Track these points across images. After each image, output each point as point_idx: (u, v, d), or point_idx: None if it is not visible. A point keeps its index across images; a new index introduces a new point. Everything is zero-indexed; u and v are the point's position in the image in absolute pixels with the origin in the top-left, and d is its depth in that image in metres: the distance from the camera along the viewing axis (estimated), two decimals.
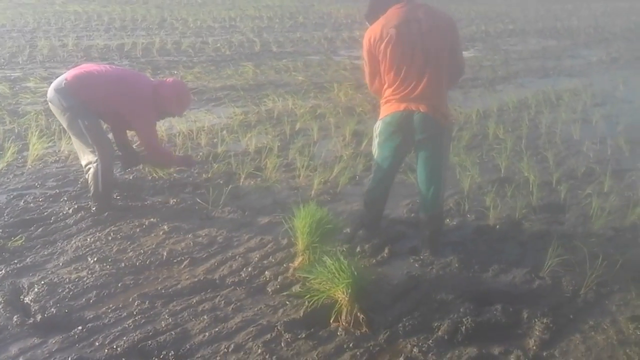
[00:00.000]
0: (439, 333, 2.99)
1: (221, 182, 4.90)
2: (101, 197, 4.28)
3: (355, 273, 3.07)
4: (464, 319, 3.07)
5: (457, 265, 3.67)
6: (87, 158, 4.25)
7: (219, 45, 12.45)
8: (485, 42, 14.85)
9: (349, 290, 3.02)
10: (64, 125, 4.28)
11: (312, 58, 11.65)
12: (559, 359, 2.84)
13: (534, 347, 2.91)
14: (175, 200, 4.54)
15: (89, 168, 4.24)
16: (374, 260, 3.74)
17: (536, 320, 3.12)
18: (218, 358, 2.78)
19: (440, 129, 3.67)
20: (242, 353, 2.82)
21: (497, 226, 4.26)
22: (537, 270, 3.65)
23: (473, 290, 3.41)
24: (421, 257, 3.76)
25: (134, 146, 5.06)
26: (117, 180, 4.77)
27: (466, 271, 3.62)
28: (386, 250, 3.83)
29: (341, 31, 15.69)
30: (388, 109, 3.71)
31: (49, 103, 4.25)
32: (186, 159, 4.89)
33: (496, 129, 6.63)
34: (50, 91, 4.20)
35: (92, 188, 4.28)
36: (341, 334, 2.98)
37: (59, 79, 4.25)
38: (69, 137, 4.53)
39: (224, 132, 6.32)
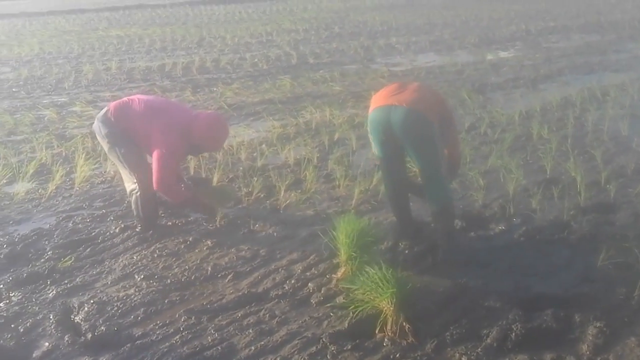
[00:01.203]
0: (488, 341, 2.91)
1: (262, 195, 4.93)
2: (144, 220, 4.38)
3: (400, 282, 3.03)
4: (513, 326, 2.98)
5: (504, 270, 3.58)
6: (128, 185, 4.37)
7: (256, 60, 12.61)
8: (525, 41, 14.54)
9: (394, 300, 2.98)
10: (106, 151, 4.43)
11: (348, 67, 11.66)
12: None
13: (588, 352, 2.81)
14: (230, 205, 4.58)
15: (131, 194, 4.35)
16: (418, 269, 3.68)
17: (589, 324, 3.00)
18: None
19: (420, 123, 3.71)
20: None
21: (545, 229, 4.13)
22: (588, 273, 3.52)
23: (522, 295, 3.31)
24: (465, 263, 3.68)
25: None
26: (161, 199, 4.85)
27: (514, 276, 3.52)
28: (429, 258, 3.76)
29: (377, 39, 15.67)
30: (371, 108, 3.93)
31: (94, 132, 4.42)
32: (208, 207, 4.49)
33: (540, 129, 6.46)
34: (95, 121, 4.38)
35: (134, 212, 4.40)
36: (387, 345, 2.93)
37: (104, 109, 4.40)
38: None
39: (263, 145, 6.37)
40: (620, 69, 10.53)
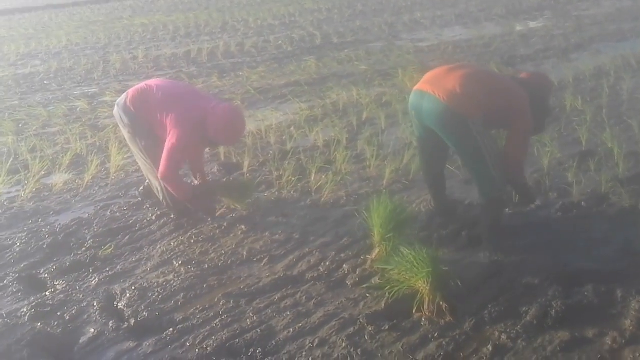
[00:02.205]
0: (528, 318, 2.89)
1: (293, 178, 4.95)
2: (175, 210, 4.43)
3: (435, 261, 3.02)
4: (553, 303, 2.96)
5: (542, 246, 3.54)
6: (150, 177, 4.41)
7: (280, 42, 12.57)
8: (554, 10, 14.16)
9: (430, 280, 2.98)
10: (126, 140, 4.45)
11: (373, 45, 11.53)
12: None
13: (631, 328, 2.77)
14: (250, 200, 4.62)
15: (156, 187, 4.40)
16: (453, 247, 3.66)
17: (631, 299, 2.96)
18: (304, 353, 2.82)
19: (448, 118, 3.47)
20: (327, 347, 2.85)
21: (582, 203, 4.05)
22: (628, 247, 3.46)
23: (561, 271, 3.27)
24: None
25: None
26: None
27: (552, 252, 3.47)
28: (464, 236, 3.74)
29: (401, 15, 15.44)
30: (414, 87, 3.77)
31: (115, 118, 4.43)
32: (206, 206, 4.41)
33: (574, 100, 6.31)
34: (115, 107, 4.35)
35: (164, 203, 4.45)
36: (425, 324, 2.94)
37: (122, 95, 4.36)
38: None
39: (292, 128, 6.38)
40: None
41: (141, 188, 4.84)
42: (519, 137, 3.58)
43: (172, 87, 4.32)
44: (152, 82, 4.34)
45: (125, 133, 4.37)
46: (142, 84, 4.32)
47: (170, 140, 4.01)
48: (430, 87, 3.56)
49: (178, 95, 4.18)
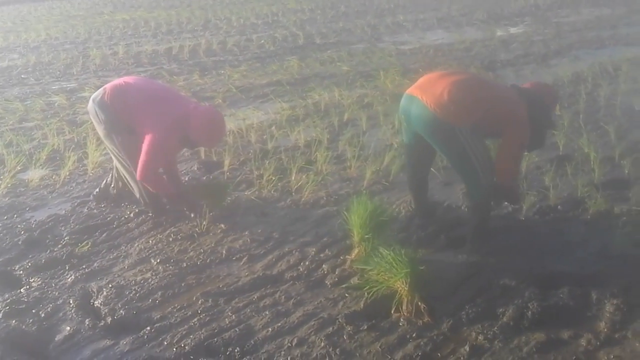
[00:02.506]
0: (504, 319, 2.92)
1: (273, 177, 4.94)
2: (152, 207, 4.40)
3: (414, 262, 3.05)
4: (529, 304, 2.99)
5: (519, 249, 3.58)
6: (124, 173, 4.33)
7: (263, 41, 12.54)
8: (535, 16, 14.36)
9: (408, 280, 3.00)
10: (101, 136, 4.34)
11: (356, 47, 11.57)
12: (632, 340, 2.74)
13: (605, 330, 2.81)
14: (230, 199, 4.60)
15: (131, 184, 4.33)
16: (432, 249, 3.69)
17: (606, 301, 3.01)
18: (282, 353, 2.82)
19: (434, 125, 3.45)
20: (305, 347, 2.85)
21: (559, 206, 4.12)
22: (604, 250, 3.52)
23: (537, 274, 3.31)
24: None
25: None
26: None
27: (529, 255, 3.52)
28: (443, 238, 3.77)
29: (384, 17, 15.51)
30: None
31: (89, 114, 4.31)
32: (192, 205, 4.38)
33: None
34: (90, 102, 4.24)
35: (141, 201, 4.40)
36: (403, 324, 2.96)
37: (98, 90, 4.26)
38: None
39: (273, 127, 6.36)
40: (631, 43, 10.40)
41: (96, 191, 4.74)
42: (511, 147, 3.51)
43: (151, 86, 4.30)
44: (130, 79, 4.29)
45: (100, 129, 4.26)
46: (120, 81, 4.24)
47: (149, 140, 3.96)
48: (419, 93, 3.53)
49: (157, 95, 4.15)
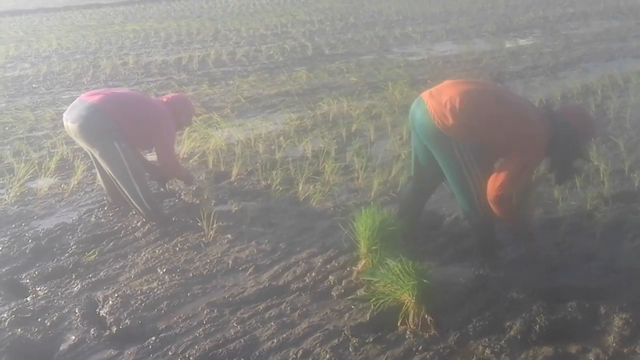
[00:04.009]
0: (512, 333, 2.90)
1: (281, 188, 4.94)
2: (154, 214, 4.41)
3: (421, 274, 3.02)
4: (537, 318, 2.96)
5: (527, 261, 3.55)
6: (124, 185, 4.29)
7: (271, 52, 12.59)
8: (544, 28, 14.33)
9: (415, 292, 2.98)
10: (98, 150, 4.21)
11: (364, 58, 11.59)
12: None
13: (614, 344, 2.78)
14: (237, 209, 4.60)
15: (128, 193, 4.32)
16: (439, 261, 3.66)
17: (615, 315, 2.98)
18: None
19: (432, 132, 3.30)
20: (310, 359, 2.84)
21: (568, 219, 4.08)
22: (613, 263, 3.48)
23: (545, 287, 3.28)
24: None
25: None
26: (171, 191, 5.00)
27: (537, 267, 3.49)
28: (450, 250, 3.75)
29: (393, 28, 15.54)
30: None
31: (78, 130, 4.16)
32: (188, 177, 4.83)
33: None
34: (80, 116, 4.14)
35: (142, 212, 4.39)
36: (409, 337, 2.93)
37: (83, 104, 4.21)
38: None
39: (281, 138, 6.37)
40: None
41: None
42: (511, 165, 3.20)
43: (127, 91, 4.91)
44: (105, 90, 4.60)
45: (98, 142, 4.18)
46: (99, 92, 4.38)
47: (161, 138, 4.38)
48: (428, 97, 3.37)
49: (138, 97, 4.63)
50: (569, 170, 3.48)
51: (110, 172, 4.31)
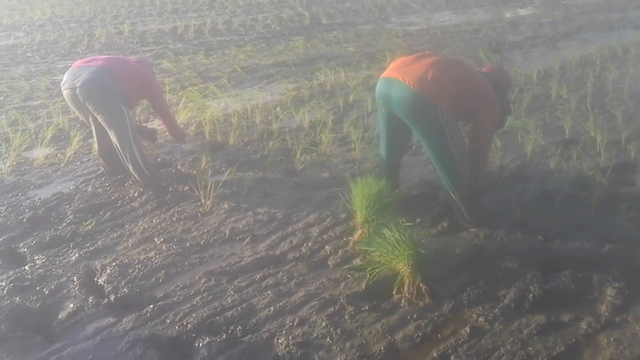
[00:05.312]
0: (505, 302, 2.93)
1: (277, 159, 4.94)
2: (152, 181, 4.41)
3: (416, 244, 3.05)
4: (530, 287, 3.00)
5: (522, 231, 3.58)
6: (125, 149, 4.31)
7: (268, 21, 12.45)
8: None
9: (411, 262, 3.00)
10: (105, 113, 4.25)
11: (362, 28, 11.47)
12: (632, 324, 2.74)
13: (606, 313, 2.82)
14: (233, 179, 4.60)
15: (129, 158, 4.33)
16: (435, 231, 3.68)
17: (607, 285, 3.01)
18: (284, 332, 2.83)
19: (418, 104, 3.40)
20: (306, 326, 2.87)
21: (563, 190, 4.09)
22: (607, 234, 3.51)
23: (539, 257, 3.31)
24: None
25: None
26: (168, 161, 5.04)
27: (531, 238, 3.51)
28: (446, 220, 3.76)
29: None
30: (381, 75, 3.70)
31: (86, 94, 4.21)
32: (181, 132, 5.22)
33: (559, 88, 6.34)
34: (89, 80, 4.21)
35: (139, 179, 4.39)
36: (404, 306, 2.97)
37: (87, 69, 4.30)
38: None
39: (278, 108, 6.34)
40: None
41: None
42: (484, 125, 3.55)
43: (121, 57, 5.16)
44: (97, 57, 4.62)
45: (106, 105, 4.24)
46: (102, 57, 4.57)
47: (156, 96, 4.72)
48: (399, 74, 3.49)
49: (127, 61, 4.79)
50: (503, 123, 3.84)
51: (114, 135, 4.32)
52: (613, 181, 4.16)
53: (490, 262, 3.28)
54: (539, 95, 6.36)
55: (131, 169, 4.37)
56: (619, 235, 3.47)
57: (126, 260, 3.55)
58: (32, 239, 3.88)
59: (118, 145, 4.33)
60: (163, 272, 3.41)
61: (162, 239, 3.79)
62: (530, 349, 2.62)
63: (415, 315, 2.89)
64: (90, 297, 3.17)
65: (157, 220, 4.06)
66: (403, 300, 3.00)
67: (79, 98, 4.25)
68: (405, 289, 3.03)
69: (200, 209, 4.18)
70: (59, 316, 3.05)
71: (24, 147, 5.49)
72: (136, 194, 4.44)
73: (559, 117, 5.52)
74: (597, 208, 3.83)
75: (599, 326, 2.74)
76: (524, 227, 3.64)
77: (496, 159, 4.61)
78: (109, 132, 4.34)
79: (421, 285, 3.01)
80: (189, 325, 2.91)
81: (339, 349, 2.71)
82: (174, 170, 4.90)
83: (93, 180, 4.77)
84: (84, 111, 4.38)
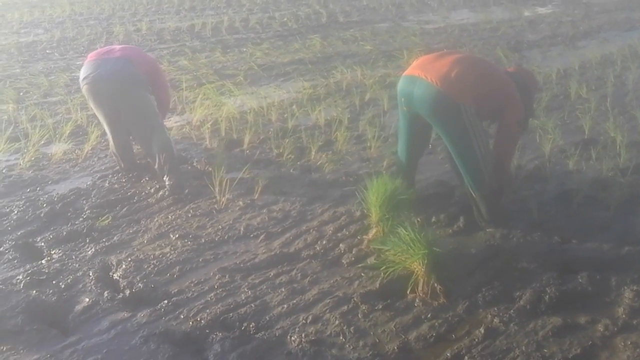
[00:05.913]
0: (521, 303, 2.89)
1: (293, 156, 4.94)
2: (177, 171, 4.45)
3: (431, 243, 3.02)
4: (547, 288, 2.96)
5: (539, 232, 3.53)
6: (159, 136, 4.40)
7: (285, 19, 12.45)
8: None
9: (425, 261, 2.98)
10: (133, 102, 4.41)
11: (379, 26, 11.42)
12: None
13: (623, 316, 2.77)
14: (249, 177, 4.61)
15: (160, 140, 4.39)
16: (450, 230, 3.65)
17: (625, 287, 2.96)
18: (297, 329, 2.83)
19: (442, 102, 3.36)
20: (320, 324, 2.86)
21: (582, 190, 4.03)
22: (626, 236, 3.45)
23: (556, 258, 3.26)
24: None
25: None
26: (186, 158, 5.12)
27: (549, 238, 3.47)
28: (462, 220, 3.73)
29: None
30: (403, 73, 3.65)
31: (111, 85, 4.36)
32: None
33: (579, 88, 6.26)
34: (115, 71, 4.36)
35: (167, 162, 4.39)
36: (418, 305, 2.95)
37: (109, 61, 4.45)
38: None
39: (294, 106, 6.33)
40: None
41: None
42: (510, 126, 3.45)
43: (132, 47, 5.44)
44: (116, 46, 4.80)
45: (134, 93, 4.41)
46: (118, 47, 4.70)
47: (162, 77, 4.86)
48: (422, 72, 3.45)
49: (134, 49, 4.94)
50: (526, 125, 3.73)
51: (143, 122, 4.41)
52: (633, 182, 4.10)
53: (506, 263, 3.25)
54: (558, 95, 6.28)
55: (160, 154, 4.38)
56: (639, 237, 3.41)
57: (141, 256, 3.57)
58: (49, 233, 3.92)
59: (148, 132, 4.40)
60: (178, 268, 3.43)
61: (177, 235, 3.80)
62: (545, 350, 2.58)
63: (429, 315, 2.87)
64: (106, 292, 3.20)
65: (173, 217, 4.08)
66: (417, 300, 2.98)
67: (102, 92, 4.35)
68: (420, 288, 3.01)
69: (216, 206, 4.19)
70: (75, 310, 3.07)
71: (43, 142, 5.55)
72: (152, 190, 4.47)
73: (578, 116, 5.45)
74: (616, 209, 3.77)
75: (615, 329, 2.69)
76: (541, 227, 3.59)
77: (514, 159, 4.54)
78: (135, 122, 4.44)
79: (436, 284, 2.99)
80: (202, 321, 2.92)
81: (352, 347, 2.70)
82: (189, 167, 4.93)
83: (110, 176, 4.81)
84: (103, 105, 4.44)
